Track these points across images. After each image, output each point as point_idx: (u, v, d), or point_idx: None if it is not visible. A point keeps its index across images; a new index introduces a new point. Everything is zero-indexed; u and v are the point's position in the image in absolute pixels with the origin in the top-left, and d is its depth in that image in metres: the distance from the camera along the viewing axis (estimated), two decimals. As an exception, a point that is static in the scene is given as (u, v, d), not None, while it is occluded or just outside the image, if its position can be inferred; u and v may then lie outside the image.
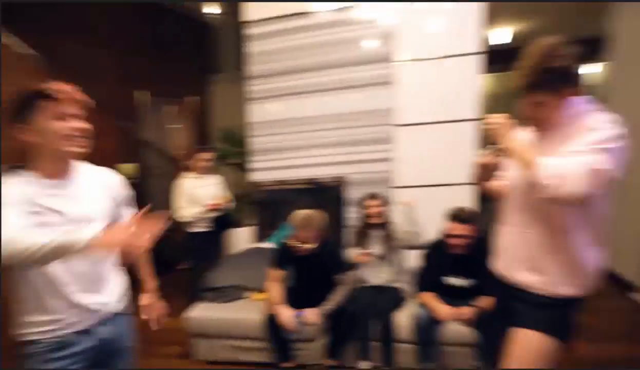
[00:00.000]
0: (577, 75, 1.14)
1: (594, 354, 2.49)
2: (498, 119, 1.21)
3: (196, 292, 2.96)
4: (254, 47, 3.38)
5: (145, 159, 5.25)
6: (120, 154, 4.16)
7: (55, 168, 1.25)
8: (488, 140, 1.25)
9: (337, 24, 3.19)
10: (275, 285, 2.34)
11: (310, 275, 2.37)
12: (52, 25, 3.87)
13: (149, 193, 5.36)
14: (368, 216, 2.58)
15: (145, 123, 5.26)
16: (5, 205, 1.13)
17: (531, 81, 1.13)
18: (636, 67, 3.51)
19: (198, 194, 3.05)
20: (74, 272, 1.26)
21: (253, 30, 3.37)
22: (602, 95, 3.94)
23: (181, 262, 4.67)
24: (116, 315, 1.39)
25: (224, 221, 3.18)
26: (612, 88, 3.85)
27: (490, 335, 2.02)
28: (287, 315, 2.22)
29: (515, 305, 1.29)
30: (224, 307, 2.55)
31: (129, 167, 4.87)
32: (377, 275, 2.53)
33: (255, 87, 3.43)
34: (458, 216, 2.16)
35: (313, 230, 2.26)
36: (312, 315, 2.23)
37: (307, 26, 3.25)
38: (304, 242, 2.25)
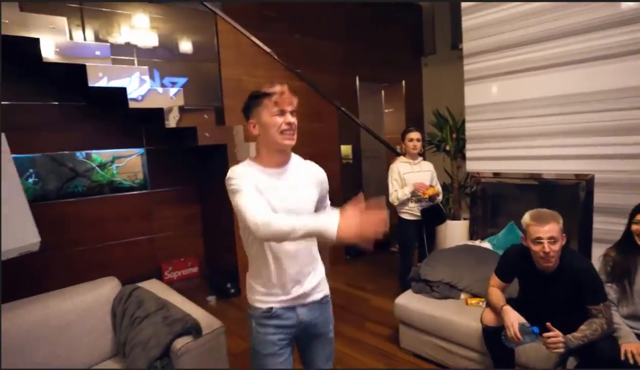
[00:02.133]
0: None
1: None
2: None
3: (405, 280, 2.99)
4: (469, 21, 3.04)
5: (359, 141, 5.63)
6: (341, 135, 4.55)
7: (274, 158, 1.40)
8: None
9: None
10: (496, 290, 2.05)
11: (547, 299, 1.91)
12: (275, 22, 4.49)
13: (361, 174, 5.77)
14: (638, 235, 1.83)
15: (360, 107, 5.62)
16: (246, 184, 1.30)
17: None
18: None
19: (409, 179, 3.01)
20: (294, 256, 1.41)
21: (466, 3, 3.03)
22: None
23: (392, 244, 4.84)
24: (317, 301, 1.50)
25: (432, 214, 3.04)
26: None
27: None
28: (514, 318, 1.81)
29: None
30: (435, 303, 2.47)
31: (347, 148, 5.31)
32: None
33: (471, 66, 3.09)
34: None
35: (558, 233, 1.77)
36: (559, 343, 1.70)
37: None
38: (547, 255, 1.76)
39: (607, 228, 2.58)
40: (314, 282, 1.49)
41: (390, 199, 3.08)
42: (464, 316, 2.29)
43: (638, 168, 2.44)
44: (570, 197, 2.70)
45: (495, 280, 2.08)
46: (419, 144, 3.04)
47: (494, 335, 1.99)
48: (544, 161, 2.82)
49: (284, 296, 1.44)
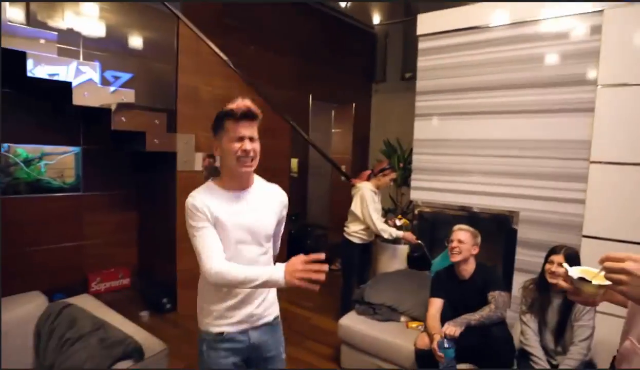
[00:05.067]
0: None
1: None
2: None
3: (348, 301, 3.07)
4: (424, 62, 3.29)
5: (307, 156, 5.70)
6: (292, 150, 4.60)
7: (234, 182, 1.41)
8: None
9: (518, 40, 2.87)
10: (435, 313, 2.28)
11: (465, 301, 2.24)
12: (235, 31, 4.46)
13: (307, 189, 5.83)
14: (550, 274, 2.03)
15: (311, 124, 5.71)
16: (202, 224, 1.34)
17: None
18: None
19: (376, 208, 3.17)
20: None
21: (425, 44, 3.28)
22: None
23: (333, 262, 4.92)
24: (268, 324, 1.52)
25: (420, 260, 3.25)
26: None
27: None
28: (434, 345, 2.08)
29: None
30: (377, 325, 2.57)
31: (294, 161, 5.37)
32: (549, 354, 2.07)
33: (422, 103, 3.33)
34: None
35: (469, 239, 2.28)
36: (451, 328, 2.02)
37: (483, 41, 3.01)
38: (457, 253, 2.27)
39: (527, 259, 2.89)
40: (266, 303, 1.51)
41: (379, 229, 3.10)
42: (404, 339, 2.41)
43: (554, 209, 2.78)
44: (498, 230, 2.99)
45: (431, 302, 2.33)
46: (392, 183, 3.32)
47: (425, 359, 2.18)
48: (478, 196, 3.10)
49: (236, 319, 1.44)
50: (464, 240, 2.29)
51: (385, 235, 3.10)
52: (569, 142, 2.72)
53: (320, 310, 3.73)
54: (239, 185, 1.43)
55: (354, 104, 6.29)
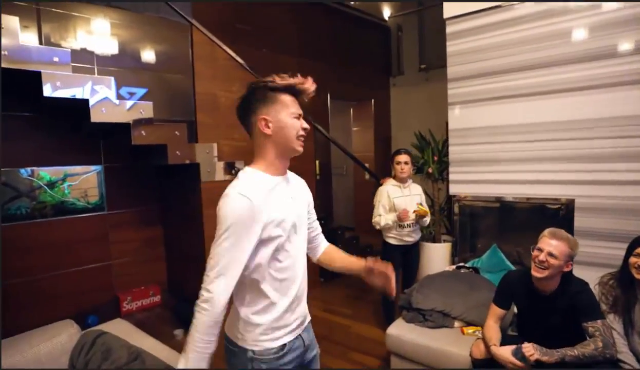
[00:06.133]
0: None
1: None
2: None
3: (390, 306, 2.87)
4: (454, 46, 3.09)
5: (329, 158, 5.53)
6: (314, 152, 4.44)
7: (281, 165, 1.24)
8: None
9: (553, 14, 2.65)
10: (494, 324, 1.99)
11: (545, 321, 1.89)
12: (248, 36, 4.34)
13: (332, 191, 5.66)
14: (636, 268, 1.78)
15: (331, 124, 5.54)
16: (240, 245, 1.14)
17: None
18: None
19: (399, 204, 2.90)
20: (304, 274, 1.32)
21: (453, 28, 3.08)
22: None
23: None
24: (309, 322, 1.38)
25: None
26: None
27: None
28: (505, 353, 1.78)
29: None
30: (429, 333, 2.36)
31: (316, 163, 5.20)
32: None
33: (455, 90, 3.12)
34: None
35: (564, 254, 1.74)
36: (530, 349, 1.72)
37: (517, 18, 2.80)
38: (544, 268, 1.76)
39: (586, 251, 2.64)
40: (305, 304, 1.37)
41: (373, 221, 2.96)
42: (460, 346, 2.20)
43: (615, 194, 2.53)
44: (552, 220, 2.74)
45: (493, 310, 2.01)
46: (407, 167, 2.90)
47: (483, 368, 1.94)
48: (526, 185, 2.87)
49: (295, 323, 1.27)
50: (557, 255, 1.73)
51: (382, 223, 2.83)
52: (627, 118, 2.46)
53: (360, 317, 3.54)
54: (283, 169, 1.26)
55: (372, 100, 6.10)
